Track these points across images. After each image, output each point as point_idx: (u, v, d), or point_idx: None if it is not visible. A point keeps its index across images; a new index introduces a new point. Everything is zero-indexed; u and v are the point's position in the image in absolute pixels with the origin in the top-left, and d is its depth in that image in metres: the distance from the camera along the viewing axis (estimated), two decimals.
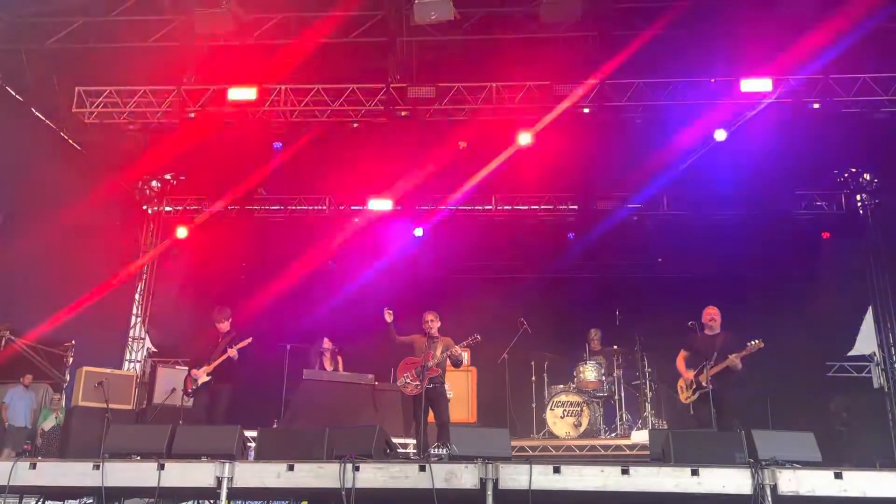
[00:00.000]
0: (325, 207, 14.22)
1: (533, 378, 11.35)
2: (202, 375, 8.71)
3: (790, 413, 10.84)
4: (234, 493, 5.56)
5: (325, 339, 10.97)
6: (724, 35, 9.84)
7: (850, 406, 11.46)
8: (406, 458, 8.09)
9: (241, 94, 10.84)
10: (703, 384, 8.01)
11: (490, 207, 14.12)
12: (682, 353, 8.55)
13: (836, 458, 5.67)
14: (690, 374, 8.27)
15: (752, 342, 7.90)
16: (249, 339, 8.84)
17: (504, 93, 11.19)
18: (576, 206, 13.79)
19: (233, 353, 8.67)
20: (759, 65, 10.34)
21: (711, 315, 8.37)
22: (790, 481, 5.16)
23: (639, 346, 10.89)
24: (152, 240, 14.48)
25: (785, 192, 12.90)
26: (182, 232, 13.78)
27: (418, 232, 13.75)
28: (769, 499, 5.09)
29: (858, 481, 5.16)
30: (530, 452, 9.97)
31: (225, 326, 8.99)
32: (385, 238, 13.73)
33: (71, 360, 11.69)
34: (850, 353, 13.02)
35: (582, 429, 10.52)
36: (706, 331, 8.36)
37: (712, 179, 12.55)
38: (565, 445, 10.18)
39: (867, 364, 12.82)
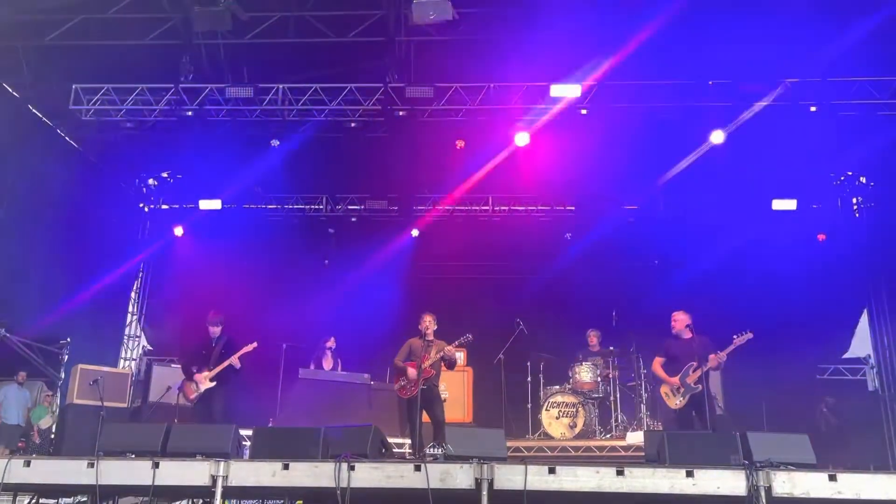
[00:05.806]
0: (321, 206, 14.22)
1: (529, 378, 11.36)
2: (205, 382, 8.64)
3: (785, 415, 10.86)
4: (228, 491, 5.55)
5: (332, 339, 10.96)
6: (721, 37, 9.86)
7: (836, 407, 11.50)
8: (402, 458, 8.10)
9: (240, 92, 10.82)
10: (693, 385, 8.00)
11: (487, 208, 14.15)
12: (659, 359, 8.44)
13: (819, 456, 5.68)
14: (675, 380, 8.16)
15: (740, 335, 7.87)
16: (254, 345, 8.79)
17: (502, 93, 11.21)
18: (573, 207, 13.82)
19: (236, 362, 8.64)
20: (756, 66, 10.36)
21: (678, 319, 8.28)
22: (785, 483, 5.16)
23: (634, 348, 10.90)
24: (148, 238, 14.47)
25: (779, 194, 12.93)
26: (178, 230, 13.83)
27: (414, 232, 13.75)
28: (763, 500, 5.09)
29: (853, 483, 5.16)
30: (526, 453, 9.98)
31: (217, 330, 8.96)
32: (381, 238, 13.72)
33: (66, 357, 11.66)
34: (845, 356, 13.05)
35: (577, 430, 10.52)
36: (679, 336, 8.29)
37: (709, 181, 12.59)
38: (561, 446, 10.18)
39: (862, 367, 12.85)
